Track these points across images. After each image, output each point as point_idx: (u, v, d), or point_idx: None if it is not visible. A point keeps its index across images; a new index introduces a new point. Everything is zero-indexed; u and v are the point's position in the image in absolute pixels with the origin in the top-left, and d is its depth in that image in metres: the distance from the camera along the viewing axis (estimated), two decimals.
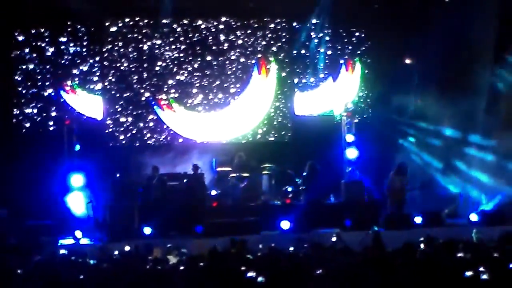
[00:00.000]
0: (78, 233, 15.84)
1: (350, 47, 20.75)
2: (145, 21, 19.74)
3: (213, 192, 17.91)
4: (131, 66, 19.71)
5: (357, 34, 20.75)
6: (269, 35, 20.41)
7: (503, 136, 18.39)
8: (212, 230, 15.89)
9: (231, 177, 18.22)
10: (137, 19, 19.72)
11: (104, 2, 19.01)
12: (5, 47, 18.95)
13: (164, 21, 19.65)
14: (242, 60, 20.25)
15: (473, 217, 17.01)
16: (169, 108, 19.84)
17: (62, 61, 19.29)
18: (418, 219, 16.74)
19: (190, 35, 20.01)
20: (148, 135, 19.80)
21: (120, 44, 19.65)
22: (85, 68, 19.42)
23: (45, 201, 16.97)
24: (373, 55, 20.60)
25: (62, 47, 19.27)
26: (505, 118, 18.80)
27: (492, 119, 18.84)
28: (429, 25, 19.08)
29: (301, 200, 17.64)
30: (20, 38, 19.08)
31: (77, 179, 17.13)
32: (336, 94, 20.49)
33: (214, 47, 20.09)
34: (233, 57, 20.18)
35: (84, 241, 15.81)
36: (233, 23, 20.22)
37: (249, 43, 20.29)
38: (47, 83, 19.22)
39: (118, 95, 19.68)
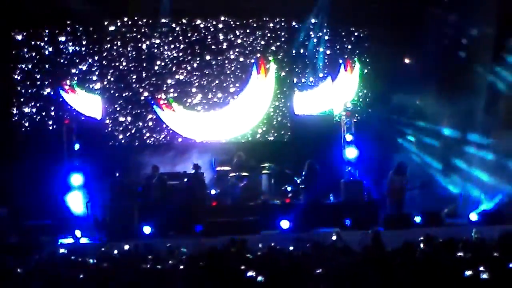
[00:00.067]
0: (77, 233, 15.85)
1: (349, 47, 20.77)
2: (144, 20, 19.75)
3: (213, 192, 17.93)
4: (130, 65, 19.72)
5: (356, 33, 20.77)
6: (268, 35, 20.41)
7: (502, 135, 18.41)
8: (211, 229, 15.89)
9: (231, 176, 18.23)
10: (136, 18, 19.73)
11: (103, 1, 19.01)
12: (4, 46, 18.96)
13: (163, 20, 19.67)
14: (241, 59, 20.25)
15: (473, 216, 17.02)
16: (168, 107, 19.84)
17: (61, 61, 19.30)
18: (417, 219, 16.75)
19: (189, 35, 20.02)
20: (148, 134, 19.81)
21: (119, 43, 19.65)
22: (84, 68, 19.44)
23: (44, 201, 16.99)
24: (372, 54, 20.61)
25: (61, 46, 19.30)
26: (505, 117, 18.82)
27: (492, 118, 18.85)
28: (428, 24, 19.10)
29: (301, 200, 17.65)
30: (19, 37, 19.10)
31: (76, 179, 17.13)
32: (335, 94, 20.49)
33: (213, 47, 20.09)
34: (232, 57, 20.18)
35: (84, 240, 15.82)
36: (232, 22, 20.22)
37: (248, 42, 20.29)
38: (46, 83, 19.24)
39: (117, 94, 19.69)
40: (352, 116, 19.15)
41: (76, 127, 17.83)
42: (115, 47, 19.64)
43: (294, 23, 20.55)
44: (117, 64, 19.66)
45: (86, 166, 17.33)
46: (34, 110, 19.19)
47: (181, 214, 16.46)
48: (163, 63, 19.87)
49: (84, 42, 19.41)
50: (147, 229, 16.03)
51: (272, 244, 11.77)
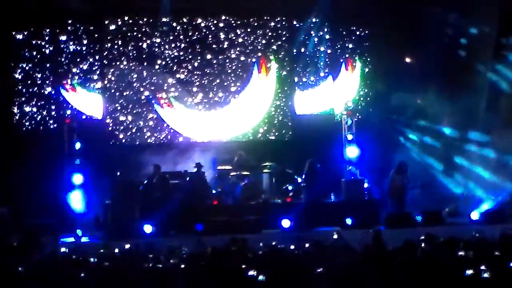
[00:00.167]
0: (79, 232, 15.85)
1: (350, 46, 20.77)
2: (145, 19, 19.76)
3: (213, 191, 17.92)
4: (131, 64, 19.72)
5: (357, 32, 20.78)
6: (269, 34, 20.41)
7: (503, 133, 18.40)
8: (212, 228, 15.89)
9: (232, 175, 18.22)
10: (136, 17, 19.73)
11: (104, 0, 19.02)
12: (5, 45, 18.95)
13: (163, 19, 19.67)
14: (242, 58, 20.25)
15: (474, 215, 17.01)
16: (169, 106, 19.84)
17: (62, 60, 19.31)
18: (418, 218, 16.74)
19: (190, 34, 20.02)
20: (148, 133, 19.81)
21: (120, 42, 19.66)
22: (85, 67, 19.45)
23: (45, 200, 16.98)
24: (373, 53, 20.62)
25: (62, 45, 19.29)
26: (506, 116, 18.82)
27: (493, 116, 18.85)
28: (429, 23, 19.10)
29: (302, 199, 17.64)
30: (20, 36, 19.09)
31: (77, 178, 17.12)
32: (336, 93, 20.49)
33: (214, 46, 20.10)
34: (233, 56, 20.19)
35: (85, 239, 15.82)
36: (233, 21, 20.23)
37: (249, 41, 20.29)
38: (47, 82, 19.24)
39: (118, 93, 19.69)
40: (353, 115, 19.11)
41: (77, 126, 17.76)
42: (115, 46, 19.65)
43: (295, 22, 20.56)
44: (118, 63, 19.66)
45: (87, 165, 17.30)
46: (35, 109, 19.20)
47: (182, 213, 16.45)
48: (163, 62, 19.88)
49: (84, 41, 19.42)
50: (148, 228, 16.02)
51: (273, 243, 11.77)
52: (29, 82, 19.19)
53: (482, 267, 8.46)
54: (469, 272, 8.39)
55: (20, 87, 19.18)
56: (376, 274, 8.39)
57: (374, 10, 19.76)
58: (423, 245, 10.81)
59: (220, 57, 20.10)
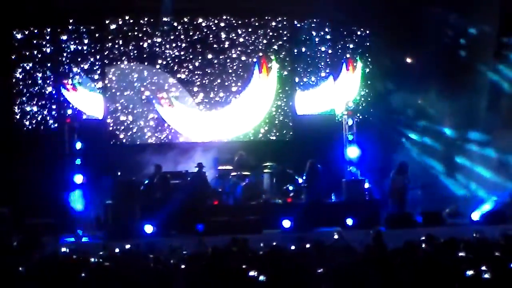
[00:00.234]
0: (79, 232, 15.85)
1: (351, 46, 20.75)
2: (146, 19, 19.75)
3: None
4: (131, 64, 19.71)
5: (358, 33, 20.76)
6: (270, 34, 20.40)
7: (504, 133, 18.40)
8: (213, 228, 15.90)
9: (232, 175, 18.23)
10: (137, 17, 19.71)
11: (105, 0, 19.02)
12: (5, 45, 18.95)
13: (164, 19, 19.66)
14: (243, 58, 20.24)
15: (475, 216, 17.01)
16: (170, 106, 19.83)
17: (63, 59, 19.30)
18: (419, 218, 16.74)
19: (190, 33, 20.01)
20: (149, 133, 19.81)
21: (121, 42, 19.64)
22: (85, 66, 19.43)
23: (46, 200, 16.96)
24: (374, 54, 20.60)
25: (63, 45, 19.28)
26: (506, 115, 18.82)
27: (493, 116, 18.85)
28: (429, 23, 19.09)
29: (302, 199, 17.65)
30: (21, 36, 19.09)
31: (78, 178, 17.11)
32: (337, 93, 20.47)
33: (215, 46, 20.09)
34: (234, 56, 20.18)
35: (85, 239, 15.82)
36: (234, 21, 20.21)
37: (250, 41, 20.29)
38: (48, 81, 19.24)
39: (118, 93, 19.68)
40: (354, 116, 19.12)
41: (78, 126, 17.77)
42: (116, 46, 19.63)
43: (296, 22, 20.55)
44: (119, 62, 19.65)
45: (87, 165, 17.30)
46: (35, 109, 19.20)
47: (183, 213, 16.46)
48: (164, 62, 19.87)
49: (85, 41, 19.40)
50: (148, 228, 16.03)
51: (274, 243, 11.77)
52: (29, 81, 19.19)
53: (483, 268, 8.46)
54: (470, 272, 8.40)
55: (20, 87, 19.17)
56: (377, 274, 8.40)
57: (374, 10, 19.75)
58: (423, 245, 10.82)
59: (221, 57, 20.10)
